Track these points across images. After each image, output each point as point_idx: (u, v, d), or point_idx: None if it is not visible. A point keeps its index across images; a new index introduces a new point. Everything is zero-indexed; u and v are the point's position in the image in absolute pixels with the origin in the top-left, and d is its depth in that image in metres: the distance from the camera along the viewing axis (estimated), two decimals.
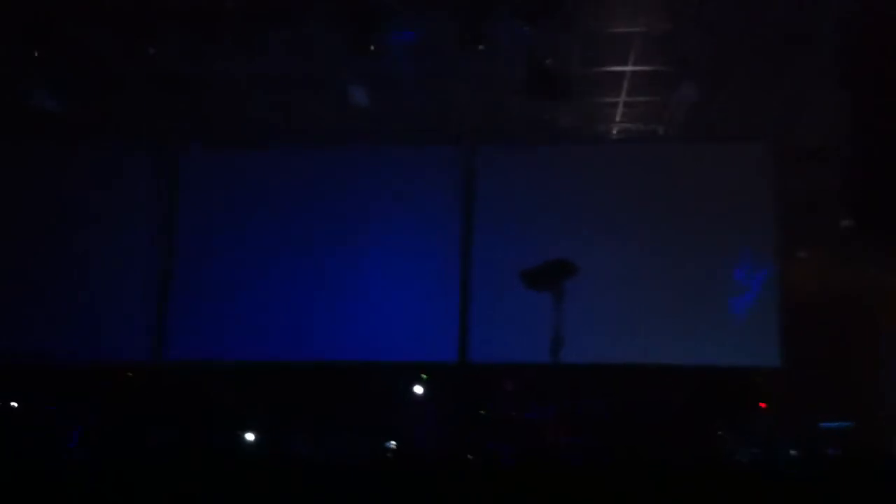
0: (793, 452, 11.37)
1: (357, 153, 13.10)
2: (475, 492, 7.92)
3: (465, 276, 12.78)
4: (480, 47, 10.45)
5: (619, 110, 12.57)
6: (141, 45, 10.52)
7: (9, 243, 13.04)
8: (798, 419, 11.71)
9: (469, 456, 11.29)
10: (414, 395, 12.70)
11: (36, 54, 10.68)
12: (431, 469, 10.28)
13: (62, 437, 11.29)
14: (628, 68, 11.42)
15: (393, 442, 11.88)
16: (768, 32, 10.25)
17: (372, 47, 10.36)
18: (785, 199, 12.37)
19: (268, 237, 12.99)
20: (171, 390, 12.33)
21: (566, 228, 12.47)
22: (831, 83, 10.57)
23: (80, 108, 12.09)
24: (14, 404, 12.23)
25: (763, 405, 12.40)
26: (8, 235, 13.04)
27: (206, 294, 12.87)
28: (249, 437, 11.98)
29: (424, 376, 12.82)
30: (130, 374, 13.05)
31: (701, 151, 12.77)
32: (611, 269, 12.26)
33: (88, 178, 13.24)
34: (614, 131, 13.09)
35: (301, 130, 12.82)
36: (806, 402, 11.64)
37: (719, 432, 12.14)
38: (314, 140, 13.01)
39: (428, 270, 12.80)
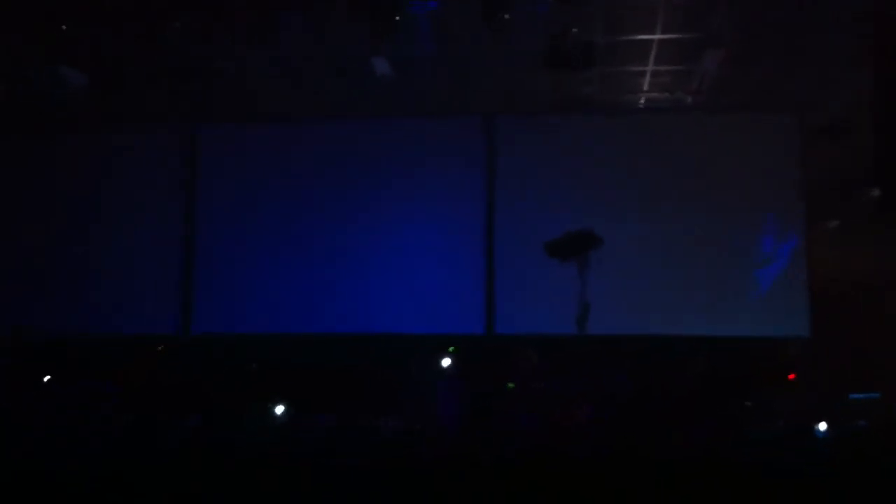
0: (822, 424, 11.32)
1: (380, 125, 13.03)
2: (500, 466, 8.00)
3: (490, 248, 12.76)
4: (506, 16, 10.34)
5: (646, 79, 12.40)
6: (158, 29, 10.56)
7: (38, 224, 13.25)
8: (826, 390, 11.64)
9: (496, 429, 11.37)
10: (441, 366, 12.71)
11: (56, 43, 10.76)
12: (457, 442, 10.39)
13: (93, 412, 11.48)
14: (655, 36, 11.25)
15: (419, 415, 11.94)
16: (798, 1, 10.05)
17: (395, 18, 10.29)
18: (814, 170, 12.22)
19: (291, 210, 13.01)
20: (198, 363, 12.47)
21: (591, 199, 12.42)
22: (862, 54, 10.36)
23: (101, 94, 12.14)
24: (45, 378, 12.39)
25: (791, 376, 12.32)
26: (37, 217, 13.26)
27: (231, 268, 12.94)
28: (277, 409, 12.07)
29: (452, 348, 12.85)
30: (161, 348, 13.20)
31: (729, 122, 12.58)
32: (636, 240, 12.23)
33: (112, 160, 13.35)
34: (641, 101, 12.92)
35: (321, 105, 12.79)
36: (834, 372, 11.57)
37: (747, 403, 12.09)
38: (331, 113, 12.97)
39: (453, 242, 12.78)
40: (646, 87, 12.60)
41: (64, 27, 10.50)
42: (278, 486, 7.77)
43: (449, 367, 12.66)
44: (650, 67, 12.04)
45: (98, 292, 12.96)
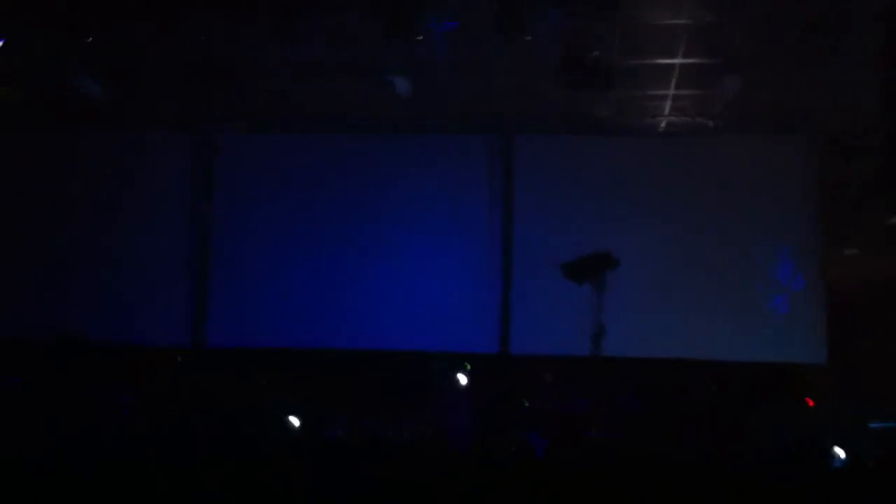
0: (839, 451, 11.22)
1: (397, 141, 13.09)
2: (513, 482, 7.99)
3: (506, 267, 12.80)
4: (528, 38, 10.43)
5: (667, 103, 12.45)
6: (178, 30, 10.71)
7: (52, 228, 13.29)
8: (843, 416, 11.53)
9: (512, 448, 11.34)
10: (455, 385, 12.72)
11: (78, 43, 10.90)
12: (471, 459, 10.38)
13: (109, 420, 11.58)
14: (675, 61, 11.31)
15: (432, 431, 11.95)
16: (814, 22, 10.07)
17: (411, 36, 10.39)
18: (830, 191, 12.19)
19: (307, 225, 13.07)
20: (212, 377, 12.53)
21: (608, 221, 12.46)
22: (877, 74, 10.36)
23: (121, 95, 12.26)
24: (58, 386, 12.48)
25: (810, 402, 12.21)
26: (51, 221, 13.30)
27: (245, 282, 13.01)
28: (293, 422, 12.11)
29: (467, 366, 12.85)
30: (179, 359, 13.25)
31: (745, 143, 12.56)
32: (653, 262, 12.25)
33: (129, 164, 13.35)
34: (662, 124, 12.96)
35: (338, 116, 12.86)
36: (851, 398, 11.46)
37: (764, 430, 11.98)
38: (352, 127, 13.04)
39: (469, 260, 12.84)
40: (666, 111, 12.66)
41: (82, 28, 10.64)
42: (286, 495, 7.82)
43: (463, 384, 12.66)
44: (671, 91, 12.10)
45: (114, 304, 13.00)
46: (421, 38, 10.39)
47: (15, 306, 12.96)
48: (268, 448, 10.03)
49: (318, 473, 8.12)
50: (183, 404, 11.94)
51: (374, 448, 10.61)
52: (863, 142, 11.49)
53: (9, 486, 7.36)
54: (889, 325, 11.53)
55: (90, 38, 10.82)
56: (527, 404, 12.54)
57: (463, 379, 12.63)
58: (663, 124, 12.95)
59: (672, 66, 11.42)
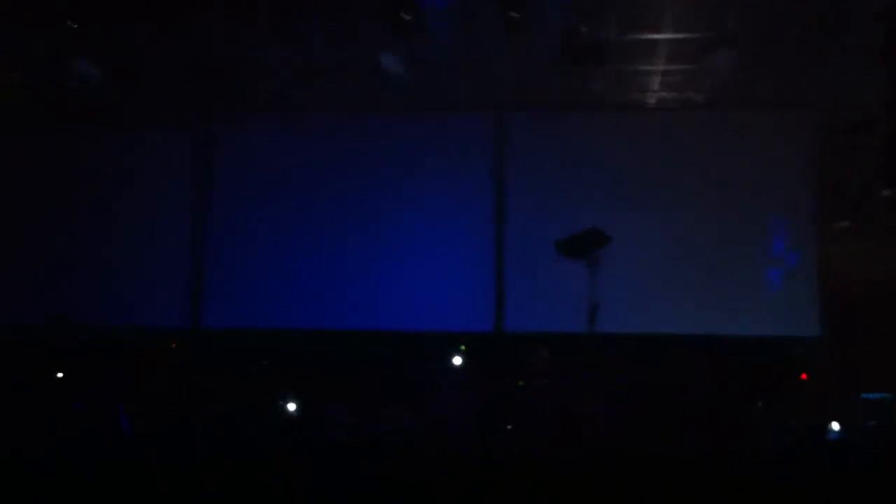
0: (835, 424, 11.25)
1: (389, 122, 13.05)
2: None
3: (499, 246, 12.80)
4: (516, 15, 10.37)
5: (657, 79, 12.39)
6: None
7: (54, 218, 13.34)
8: (838, 389, 11.56)
9: (507, 426, 11.34)
10: (451, 365, 12.69)
11: (78, 43, 10.92)
12: (468, 441, 10.39)
13: (107, 407, 11.53)
14: (665, 36, 11.24)
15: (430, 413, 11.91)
16: None
17: (406, 15, 10.33)
18: (825, 167, 12.16)
19: (301, 207, 13.05)
20: (208, 358, 12.51)
21: (601, 197, 12.41)
22: (876, 52, 10.32)
23: (121, 95, 12.24)
24: (58, 374, 12.44)
25: (804, 376, 12.24)
26: (53, 211, 13.35)
27: (241, 263, 12.99)
28: (288, 405, 12.08)
29: (463, 347, 12.82)
30: (174, 345, 13.23)
31: (740, 119, 12.52)
32: (647, 238, 12.22)
33: (129, 164, 13.38)
34: (652, 100, 12.90)
35: (333, 100, 12.80)
36: (845, 372, 11.49)
37: (759, 403, 12.01)
38: (345, 110, 13.00)
39: (462, 240, 12.82)
40: (656, 87, 12.60)
41: (80, 22, 10.58)
42: (286, 482, 7.80)
43: (458, 364, 12.63)
44: (661, 67, 12.04)
45: (108, 286, 13.05)
46: (409, 17, 10.32)
47: (15, 306, 12.96)
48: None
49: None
50: (180, 388, 11.90)
51: (371, 431, 10.66)
52: (861, 119, 11.47)
53: (8, 486, 7.33)
54: (882, 298, 11.56)
55: (90, 38, 10.75)
56: (521, 383, 12.52)
57: (458, 360, 12.60)
58: (654, 100, 12.88)
59: (662, 41, 11.37)
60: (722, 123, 12.55)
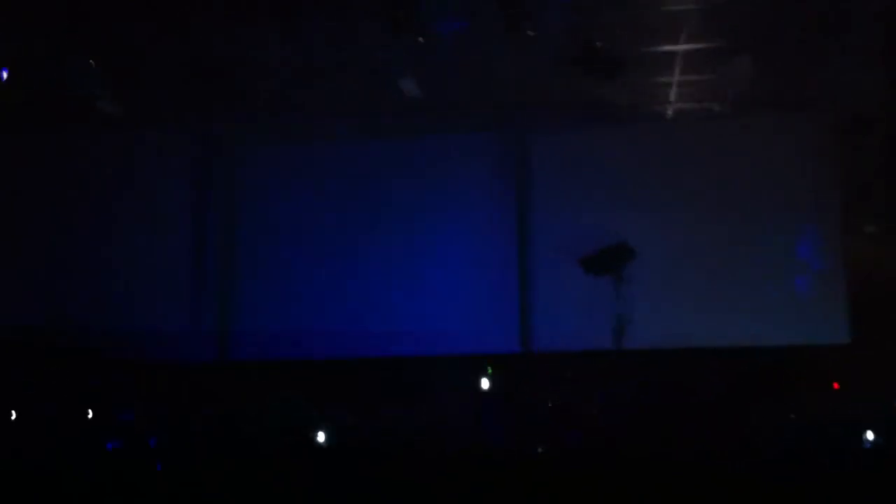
0: (869, 433, 11.14)
1: (410, 143, 13.04)
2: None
3: (523, 265, 12.69)
4: (530, 33, 10.37)
5: (674, 90, 12.35)
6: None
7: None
8: (872, 398, 11.42)
9: (539, 448, 11.24)
10: (478, 387, 12.57)
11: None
12: (500, 463, 10.29)
13: (140, 439, 11.50)
14: (681, 47, 11.22)
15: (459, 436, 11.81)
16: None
17: (419, 34, 10.34)
18: (848, 170, 12.05)
19: (324, 232, 12.99)
20: (236, 390, 12.44)
21: (624, 211, 12.28)
22: (876, 52, 10.31)
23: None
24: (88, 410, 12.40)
25: (836, 385, 12.09)
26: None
27: (265, 293, 12.96)
28: (319, 436, 12.00)
29: (489, 369, 12.71)
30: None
31: (759, 124, 12.40)
32: (671, 250, 12.12)
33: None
34: (669, 111, 12.85)
35: (348, 117, 12.83)
36: (879, 379, 11.35)
37: (791, 415, 11.88)
38: (362, 128, 13.01)
39: (486, 260, 12.71)
40: (673, 98, 12.56)
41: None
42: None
43: (487, 387, 12.51)
44: (677, 78, 12.01)
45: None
46: (429, 32, 10.31)
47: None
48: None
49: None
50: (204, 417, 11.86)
51: (401, 456, 10.56)
52: (880, 120, 11.40)
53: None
54: None
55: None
56: (550, 404, 12.42)
57: (486, 382, 12.48)
58: (672, 111, 12.82)
59: (678, 52, 11.35)
60: (740, 130, 12.43)
